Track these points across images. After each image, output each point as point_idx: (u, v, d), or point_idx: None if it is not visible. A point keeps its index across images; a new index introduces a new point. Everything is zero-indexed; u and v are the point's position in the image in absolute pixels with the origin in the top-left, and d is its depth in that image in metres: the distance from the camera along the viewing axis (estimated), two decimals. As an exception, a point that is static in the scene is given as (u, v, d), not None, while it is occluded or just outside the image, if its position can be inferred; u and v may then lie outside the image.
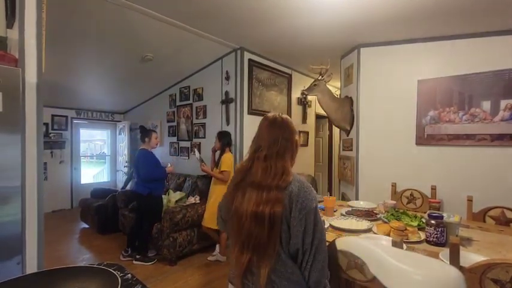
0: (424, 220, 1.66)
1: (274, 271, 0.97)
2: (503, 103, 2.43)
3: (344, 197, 3.52)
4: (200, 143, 4.14)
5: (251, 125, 3.61)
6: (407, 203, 2.59)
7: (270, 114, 1.13)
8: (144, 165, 3.02)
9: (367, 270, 1.03)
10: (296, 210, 0.97)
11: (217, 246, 3.09)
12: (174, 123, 4.69)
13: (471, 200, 2.11)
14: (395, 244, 1.13)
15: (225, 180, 3.02)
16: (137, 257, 3.03)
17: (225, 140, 3.14)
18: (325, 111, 3.25)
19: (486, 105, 2.51)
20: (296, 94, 4.47)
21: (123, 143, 5.85)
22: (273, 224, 0.96)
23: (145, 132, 3.18)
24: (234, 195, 1.06)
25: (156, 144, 3.22)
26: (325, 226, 1.72)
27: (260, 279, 0.97)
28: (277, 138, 1.05)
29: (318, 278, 0.96)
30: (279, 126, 1.08)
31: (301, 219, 0.96)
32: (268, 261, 0.96)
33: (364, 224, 1.76)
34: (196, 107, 4.18)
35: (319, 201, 2.42)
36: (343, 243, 1.12)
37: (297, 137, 1.11)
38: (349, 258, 1.09)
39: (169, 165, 3.29)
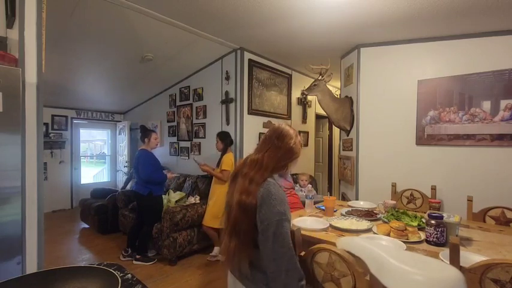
0: (424, 220, 1.66)
1: (252, 262, 1.06)
2: (503, 103, 2.43)
3: (344, 197, 3.52)
4: (200, 143, 4.14)
5: (251, 125, 3.61)
6: (407, 203, 2.60)
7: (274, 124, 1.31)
8: (143, 166, 3.02)
9: (343, 283, 1.02)
10: (259, 220, 1.03)
11: (215, 248, 3.09)
12: (174, 123, 4.69)
13: (471, 200, 2.11)
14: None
15: (224, 179, 3.02)
16: (137, 257, 3.03)
17: (227, 140, 3.15)
18: (325, 111, 3.24)
19: (486, 105, 2.50)
20: (296, 94, 4.47)
21: (123, 143, 5.84)
22: (247, 212, 1.04)
23: (145, 132, 3.17)
24: (230, 187, 1.20)
25: (156, 145, 3.20)
26: (325, 226, 1.72)
27: (241, 267, 1.06)
28: (272, 141, 1.18)
29: None
30: (274, 131, 1.22)
31: (263, 230, 1.01)
32: (247, 249, 1.05)
33: (364, 224, 1.76)
34: (196, 107, 4.18)
35: (319, 201, 2.43)
36: (343, 243, 1.11)
37: (292, 145, 1.18)
38: (325, 270, 1.08)
39: (169, 173, 3.31)
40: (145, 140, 3.13)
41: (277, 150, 1.16)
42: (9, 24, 1.50)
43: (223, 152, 3.15)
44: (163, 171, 3.24)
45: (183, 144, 4.53)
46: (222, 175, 3.02)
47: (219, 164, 3.13)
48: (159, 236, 3.04)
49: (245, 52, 3.47)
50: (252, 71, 3.57)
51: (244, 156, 3.47)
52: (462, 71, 2.60)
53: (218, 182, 3.08)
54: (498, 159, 2.46)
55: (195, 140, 4.23)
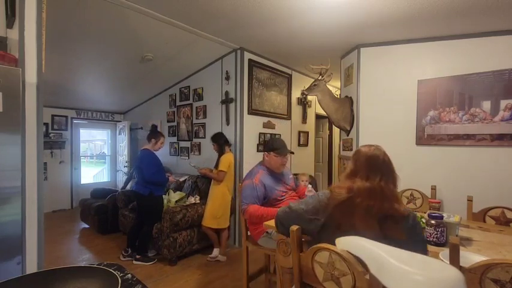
0: (424, 220, 1.66)
1: None
2: (503, 103, 2.43)
3: (344, 197, 3.51)
4: (200, 143, 4.14)
5: (251, 125, 3.61)
6: (407, 203, 2.59)
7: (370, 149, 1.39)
8: (147, 166, 3.01)
9: (343, 282, 1.02)
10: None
11: (215, 249, 3.09)
12: (174, 123, 4.69)
13: (471, 200, 2.11)
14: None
15: (219, 180, 3.03)
16: (137, 257, 3.03)
17: (221, 140, 3.16)
18: (325, 111, 3.24)
19: (486, 105, 2.50)
20: (296, 94, 4.47)
21: (123, 143, 5.84)
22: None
23: (154, 133, 3.17)
24: (344, 217, 1.23)
25: (159, 148, 3.21)
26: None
27: None
28: (380, 168, 1.36)
29: None
30: (377, 158, 1.38)
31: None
32: None
33: (364, 224, 1.76)
34: (196, 107, 4.18)
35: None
36: (343, 243, 1.11)
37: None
38: (325, 269, 1.08)
39: (171, 177, 3.32)
40: (152, 140, 3.13)
41: (392, 176, 1.34)
42: (9, 24, 1.50)
43: (221, 152, 3.15)
44: (166, 174, 3.25)
45: (183, 144, 4.53)
46: (217, 176, 3.02)
47: (217, 164, 3.13)
48: (159, 236, 3.04)
49: (245, 52, 3.47)
50: (252, 71, 3.57)
51: (245, 156, 3.49)
52: (462, 71, 2.60)
53: (216, 182, 3.08)
54: (498, 159, 2.46)
55: (195, 140, 4.23)
